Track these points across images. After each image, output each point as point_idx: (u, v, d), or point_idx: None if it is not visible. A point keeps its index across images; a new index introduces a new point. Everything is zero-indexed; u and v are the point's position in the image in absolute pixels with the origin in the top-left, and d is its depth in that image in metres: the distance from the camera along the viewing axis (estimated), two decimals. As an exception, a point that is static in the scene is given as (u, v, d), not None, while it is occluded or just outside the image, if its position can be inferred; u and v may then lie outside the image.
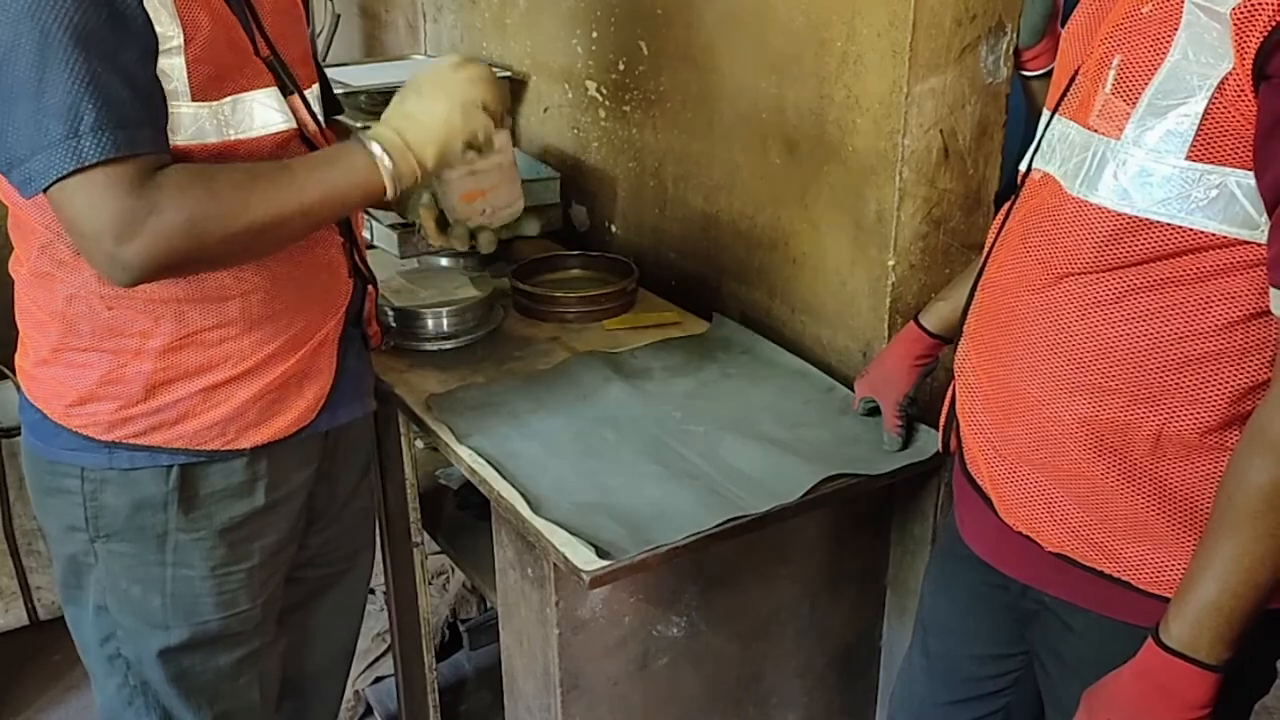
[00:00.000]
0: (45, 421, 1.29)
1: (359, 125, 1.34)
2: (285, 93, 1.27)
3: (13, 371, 2.34)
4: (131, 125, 1.08)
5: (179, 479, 1.29)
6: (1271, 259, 0.95)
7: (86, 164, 1.05)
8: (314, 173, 1.18)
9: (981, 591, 1.29)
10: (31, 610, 2.54)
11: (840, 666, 1.71)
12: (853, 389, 1.64)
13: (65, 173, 1.05)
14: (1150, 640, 1.02)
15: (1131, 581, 1.09)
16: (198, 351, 1.25)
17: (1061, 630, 1.19)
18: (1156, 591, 1.08)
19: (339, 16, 3.06)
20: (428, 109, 1.23)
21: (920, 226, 1.59)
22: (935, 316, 1.45)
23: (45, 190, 1.08)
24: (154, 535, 1.31)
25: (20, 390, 1.34)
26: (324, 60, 2.49)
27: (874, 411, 1.57)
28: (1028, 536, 1.16)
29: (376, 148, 1.19)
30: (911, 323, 1.48)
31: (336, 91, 1.56)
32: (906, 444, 1.51)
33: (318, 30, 3.02)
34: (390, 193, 1.20)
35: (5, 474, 2.43)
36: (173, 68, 1.14)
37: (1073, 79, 1.12)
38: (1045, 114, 1.17)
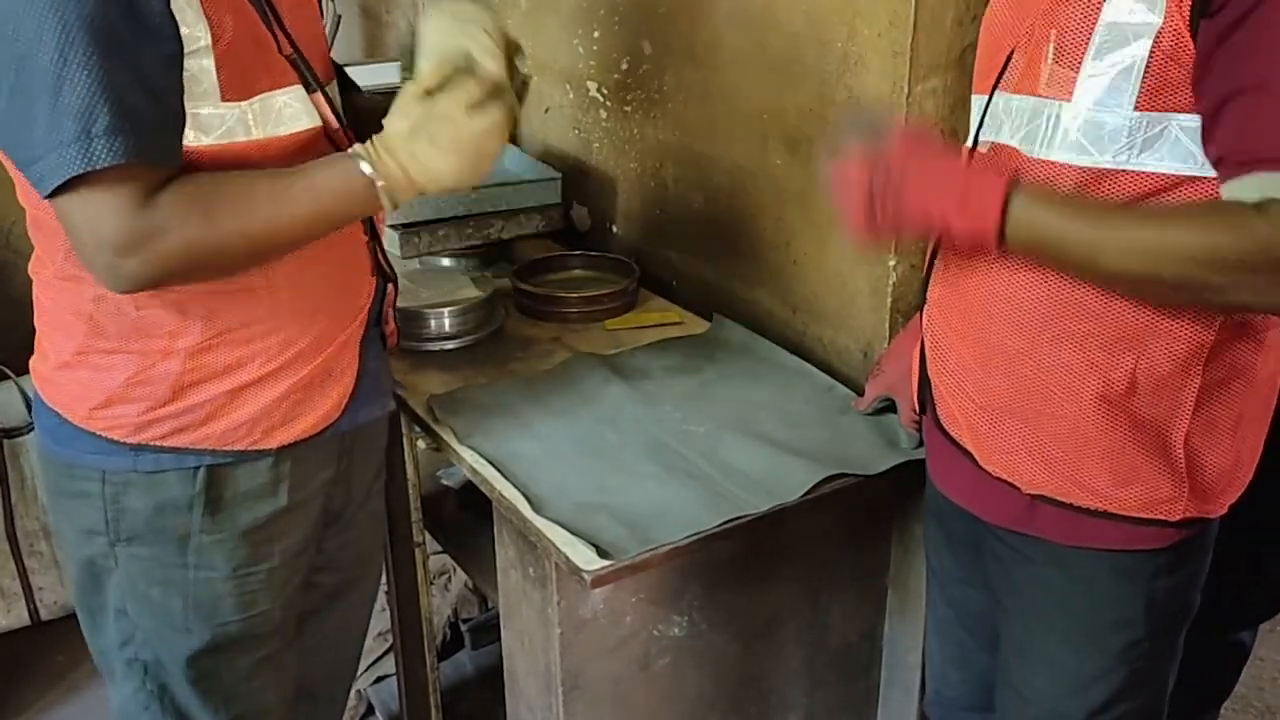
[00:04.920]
0: (64, 425, 1.27)
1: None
2: (309, 90, 1.26)
3: (13, 372, 2.36)
4: (146, 133, 1.07)
5: (205, 480, 1.27)
6: (1215, 163, 1.00)
7: (96, 167, 1.05)
8: (315, 195, 1.16)
9: (972, 540, 1.33)
10: (33, 611, 2.54)
11: (841, 666, 1.71)
12: (853, 389, 1.64)
13: (75, 174, 1.05)
14: (1007, 178, 1.07)
15: (1109, 509, 1.14)
16: (226, 351, 1.24)
17: (1022, 564, 1.24)
18: (1132, 514, 1.14)
19: (340, 17, 3.07)
20: (438, 159, 1.16)
21: (921, 227, 1.59)
22: None
23: (57, 188, 1.06)
24: (176, 537, 1.29)
25: (35, 394, 1.31)
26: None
27: (882, 410, 1.57)
28: (1007, 482, 1.21)
29: (379, 180, 1.16)
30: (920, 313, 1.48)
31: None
32: (923, 441, 1.51)
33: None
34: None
35: (7, 474, 2.43)
36: (202, 69, 1.13)
37: (1008, 60, 1.17)
38: (980, 97, 1.22)
